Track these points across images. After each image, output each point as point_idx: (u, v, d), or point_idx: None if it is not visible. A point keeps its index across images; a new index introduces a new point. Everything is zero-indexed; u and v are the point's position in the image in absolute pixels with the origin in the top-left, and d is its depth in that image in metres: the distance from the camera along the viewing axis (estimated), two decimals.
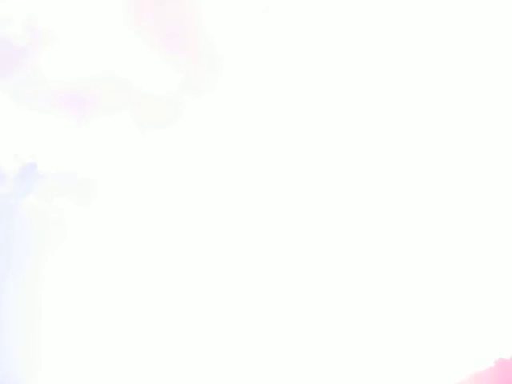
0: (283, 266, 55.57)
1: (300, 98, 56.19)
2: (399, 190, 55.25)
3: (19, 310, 57.93)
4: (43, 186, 62.47)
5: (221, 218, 61.57)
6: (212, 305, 54.20)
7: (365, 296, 49.14)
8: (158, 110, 56.34)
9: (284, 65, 55.44)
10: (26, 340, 55.97)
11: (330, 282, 51.72)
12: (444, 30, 55.37)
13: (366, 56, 56.92)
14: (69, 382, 51.67)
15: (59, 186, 63.27)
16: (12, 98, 57.33)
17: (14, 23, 52.81)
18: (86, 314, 59.95)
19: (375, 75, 58.51)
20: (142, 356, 52.80)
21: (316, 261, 54.39)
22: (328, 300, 50.53)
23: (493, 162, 52.99)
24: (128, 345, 53.74)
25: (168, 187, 64.75)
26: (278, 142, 58.41)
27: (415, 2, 54.00)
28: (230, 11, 52.46)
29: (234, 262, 58.40)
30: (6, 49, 53.65)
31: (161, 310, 57.58)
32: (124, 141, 59.15)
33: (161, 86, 54.03)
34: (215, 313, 52.19)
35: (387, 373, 43.06)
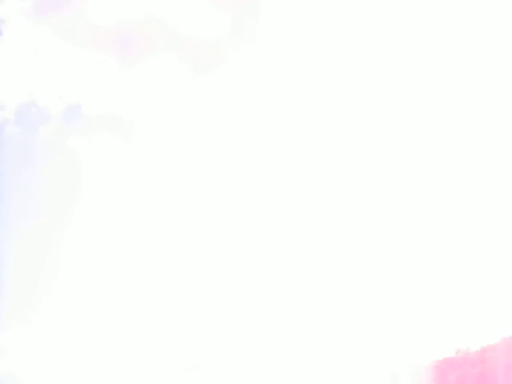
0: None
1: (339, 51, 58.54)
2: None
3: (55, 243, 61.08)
4: (87, 128, 64.54)
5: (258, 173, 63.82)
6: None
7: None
8: (202, 53, 57.64)
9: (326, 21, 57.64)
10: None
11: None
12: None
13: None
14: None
15: (103, 128, 65.33)
16: (58, 36, 59.33)
17: None
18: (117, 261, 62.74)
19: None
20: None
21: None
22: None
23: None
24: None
25: (209, 133, 66.15)
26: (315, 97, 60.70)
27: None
28: None
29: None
30: None
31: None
32: (167, 84, 60.68)
33: (206, 30, 55.80)
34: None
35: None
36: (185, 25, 58.60)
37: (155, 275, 61.62)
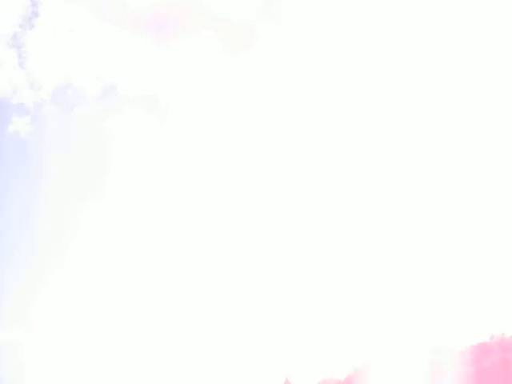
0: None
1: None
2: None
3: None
4: (123, 108, 64.84)
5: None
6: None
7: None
8: (236, 33, 57.56)
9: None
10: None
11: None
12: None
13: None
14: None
15: (138, 108, 65.65)
16: (94, 17, 59.12)
17: None
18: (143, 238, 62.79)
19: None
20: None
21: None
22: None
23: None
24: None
25: (242, 110, 65.89)
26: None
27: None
28: None
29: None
30: None
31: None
32: (202, 63, 60.62)
33: (240, 10, 54.88)
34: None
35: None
36: (218, 5, 57.66)
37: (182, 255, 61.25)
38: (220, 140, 70.87)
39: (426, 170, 60.41)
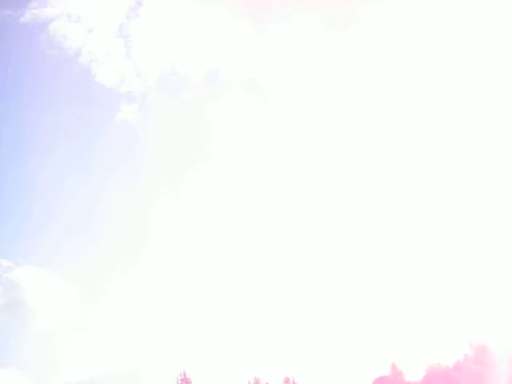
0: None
1: None
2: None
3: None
4: (225, 92, 65.35)
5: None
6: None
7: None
8: (338, 10, 56.26)
9: None
10: None
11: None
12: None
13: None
14: None
15: (240, 92, 65.95)
16: (195, 2, 59.31)
17: None
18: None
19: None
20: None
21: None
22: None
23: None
24: None
25: (349, 91, 64.55)
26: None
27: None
28: None
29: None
30: None
31: None
32: (302, 43, 59.80)
33: None
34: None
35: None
36: None
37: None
38: (322, 124, 69.57)
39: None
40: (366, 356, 48.49)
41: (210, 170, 78.10)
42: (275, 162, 76.17)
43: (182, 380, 47.40)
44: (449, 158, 63.30)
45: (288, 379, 45.51)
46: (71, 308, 73.46)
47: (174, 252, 74.13)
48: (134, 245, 78.70)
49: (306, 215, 72.62)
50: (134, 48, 77.32)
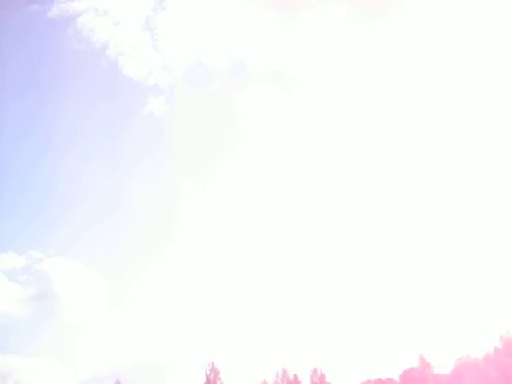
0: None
1: None
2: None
3: None
4: (251, 83, 65.82)
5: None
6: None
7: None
8: (364, 2, 56.08)
9: None
10: None
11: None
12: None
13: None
14: None
15: (266, 83, 66.38)
16: None
17: None
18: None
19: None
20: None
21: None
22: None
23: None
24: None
25: (377, 81, 64.48)
26: None
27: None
28: None
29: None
30: None
31: None
32: (328, 34, 59.68)
33: None
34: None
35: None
36: None
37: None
38: (346, 114, 69.25)
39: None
40: (395, 347, 48.54)
41: (236, 161, 78.37)
42: (301, 153, 76.14)
43: (210, 370, 48.03)
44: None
45: (316, 370, 45.80)
46: (100, 297, 74.55)
47: (199, 243, 74.67)
48: (160, 235, 79.48)
49: (331, 204, 72.60)
50: (160, 41, 77.76)
